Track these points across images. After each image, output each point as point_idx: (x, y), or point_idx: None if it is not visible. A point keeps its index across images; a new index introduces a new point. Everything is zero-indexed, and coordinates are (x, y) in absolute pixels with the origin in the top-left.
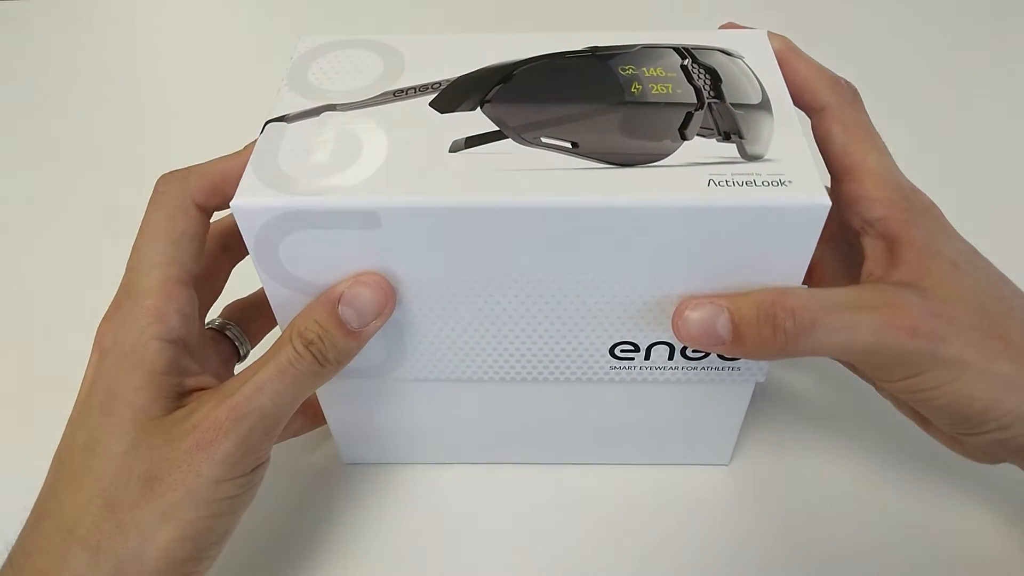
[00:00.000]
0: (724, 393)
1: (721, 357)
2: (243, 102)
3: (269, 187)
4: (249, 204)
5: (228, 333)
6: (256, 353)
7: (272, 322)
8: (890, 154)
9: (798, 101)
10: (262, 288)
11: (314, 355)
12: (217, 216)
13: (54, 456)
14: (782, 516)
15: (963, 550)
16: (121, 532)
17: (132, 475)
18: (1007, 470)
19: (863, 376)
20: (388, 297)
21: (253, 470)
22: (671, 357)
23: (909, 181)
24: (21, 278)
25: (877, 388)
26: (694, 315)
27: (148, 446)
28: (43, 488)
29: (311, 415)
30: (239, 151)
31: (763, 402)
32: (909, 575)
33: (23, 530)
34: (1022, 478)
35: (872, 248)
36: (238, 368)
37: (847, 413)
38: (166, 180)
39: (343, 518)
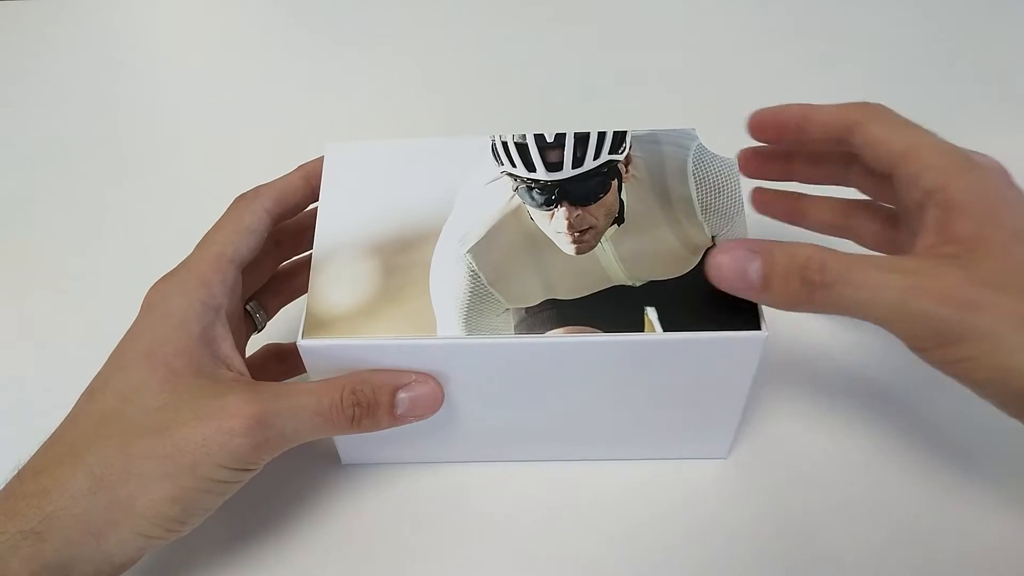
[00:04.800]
0: (724, 385)
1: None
2: (242, 101)
3: None
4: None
5: (248, 307)
6: (271, 325)
7: (286, 299)
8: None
9: (830, 139)
10: (280, 267)
11: (353, 414)
12: None
13: (85, 392)
14: (781, 509)
15: (963, 544)
16: (125, 474)
17: (155, 428)
18: (1009, 469)
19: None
20: (439, 405)
21: (248, 470)
22: None
23: (969, 151)
24: (21, 278)
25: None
26: (724, 258)
27: (177, 409)
28: (67, 418)
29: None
30: (296, 169)
31: (762, 395)
32: (908, 570)
33: (37, 452)
34: None
35: (930, 220)
36: (254, 338)
37: (847, 406)
38: (242, 194)
39: (342, 519)
